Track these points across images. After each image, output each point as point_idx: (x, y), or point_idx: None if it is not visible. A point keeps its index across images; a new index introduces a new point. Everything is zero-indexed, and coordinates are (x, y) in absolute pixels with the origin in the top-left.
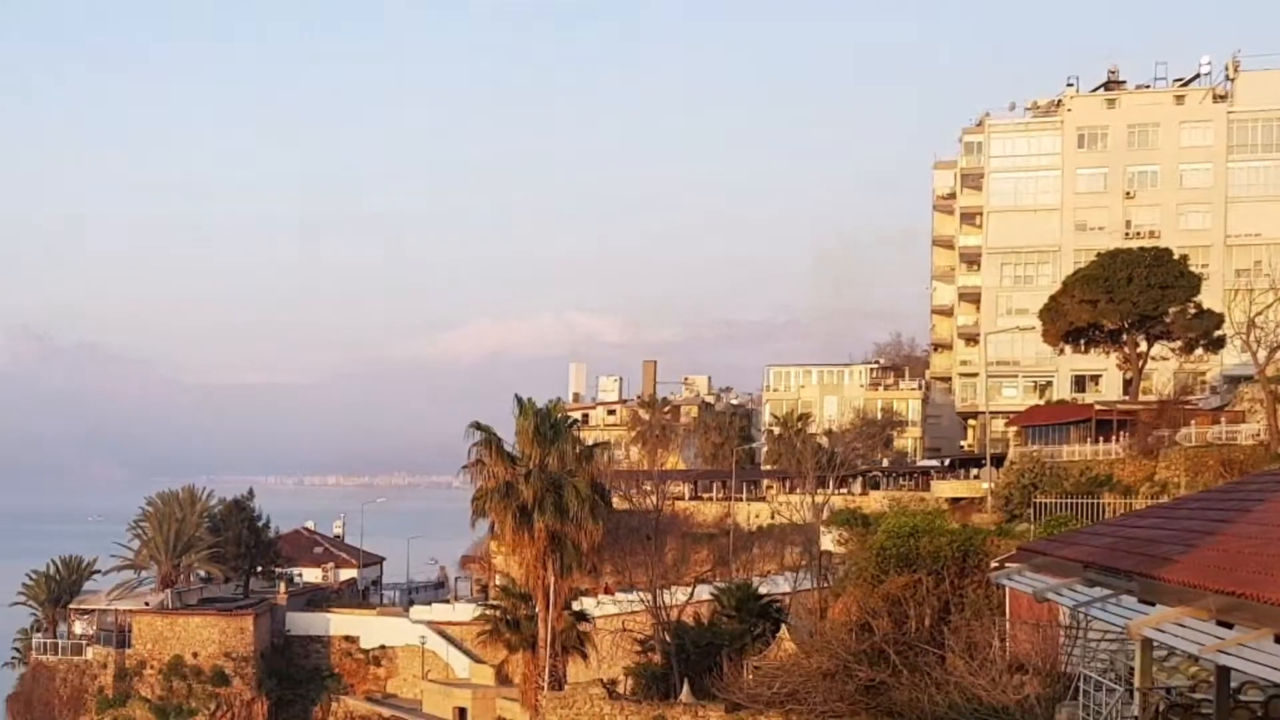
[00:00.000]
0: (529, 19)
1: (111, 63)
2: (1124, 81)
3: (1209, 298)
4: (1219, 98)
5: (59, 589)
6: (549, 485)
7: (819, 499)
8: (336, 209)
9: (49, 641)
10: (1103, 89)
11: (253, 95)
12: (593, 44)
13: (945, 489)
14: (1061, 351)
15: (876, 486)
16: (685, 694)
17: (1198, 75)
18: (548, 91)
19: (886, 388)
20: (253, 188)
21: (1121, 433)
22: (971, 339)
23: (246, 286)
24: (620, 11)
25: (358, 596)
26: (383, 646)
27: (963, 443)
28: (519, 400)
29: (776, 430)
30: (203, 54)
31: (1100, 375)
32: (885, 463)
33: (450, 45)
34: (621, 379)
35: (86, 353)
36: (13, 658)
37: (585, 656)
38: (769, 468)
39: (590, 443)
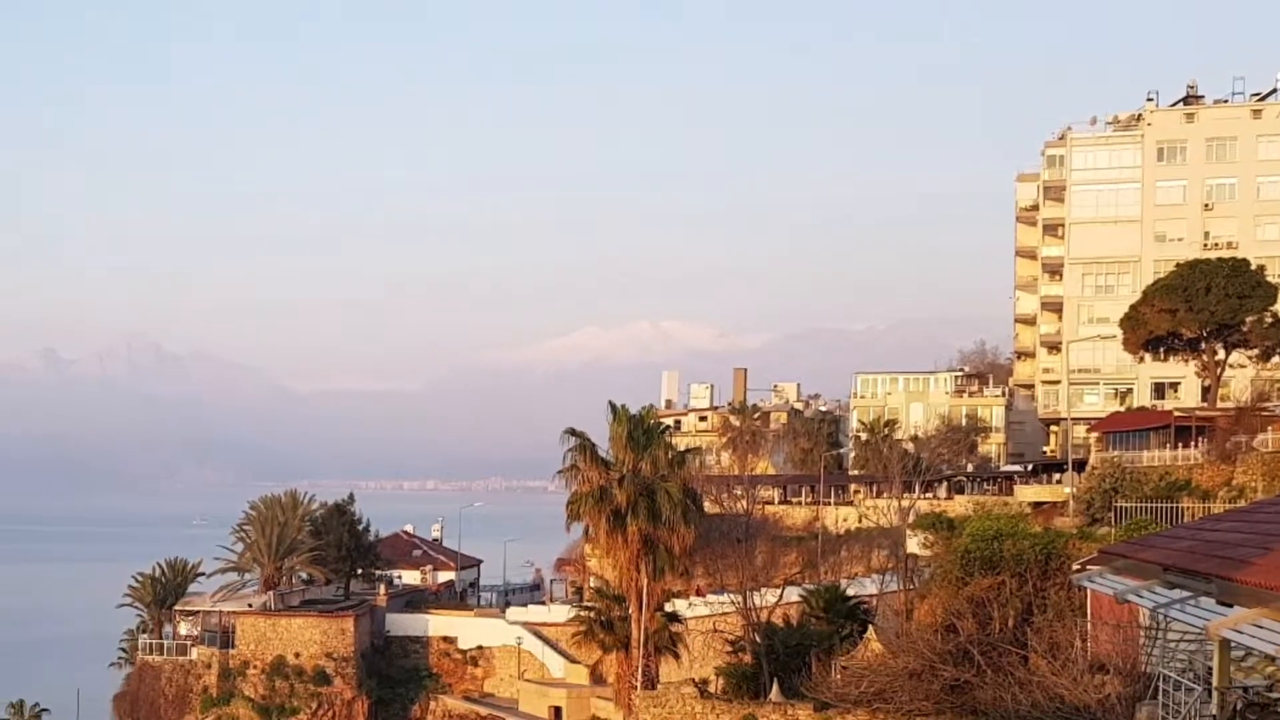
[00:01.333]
0: (631, 41)
1: (220, 76)
2: (1202, 96)
3: None
4: None
5: (164, 591)
6: (642, 490)
7: (905, 503)
8: (446, 220)
9: (155, 642)
10: (1182, 104)
11: (359, 104)
12: (695, 64)
13: (1028, 493)
14: (1141, 359)
15: (961, 491)
16: (775, 693)
17: (1275, 90)
18: (645, 106)
19: (971, 395)
20: (361, 199)
21: (1200, 438)
22: (1054, 347)
23: (354, 296)
24: (704, 33)
25: (455, 598)
26: (480, 647)
27: (1045, 448)
28: (613, 407)
29: (864, 436)
30: (324, 64)
31: (1179, 382)
32: (970, 468)
33: (545, 66)
34: (713, 386)
35: (197, 360)
36: (119, 658)
37: (677, 656)
38: (856, 473)
39: (682, 448)
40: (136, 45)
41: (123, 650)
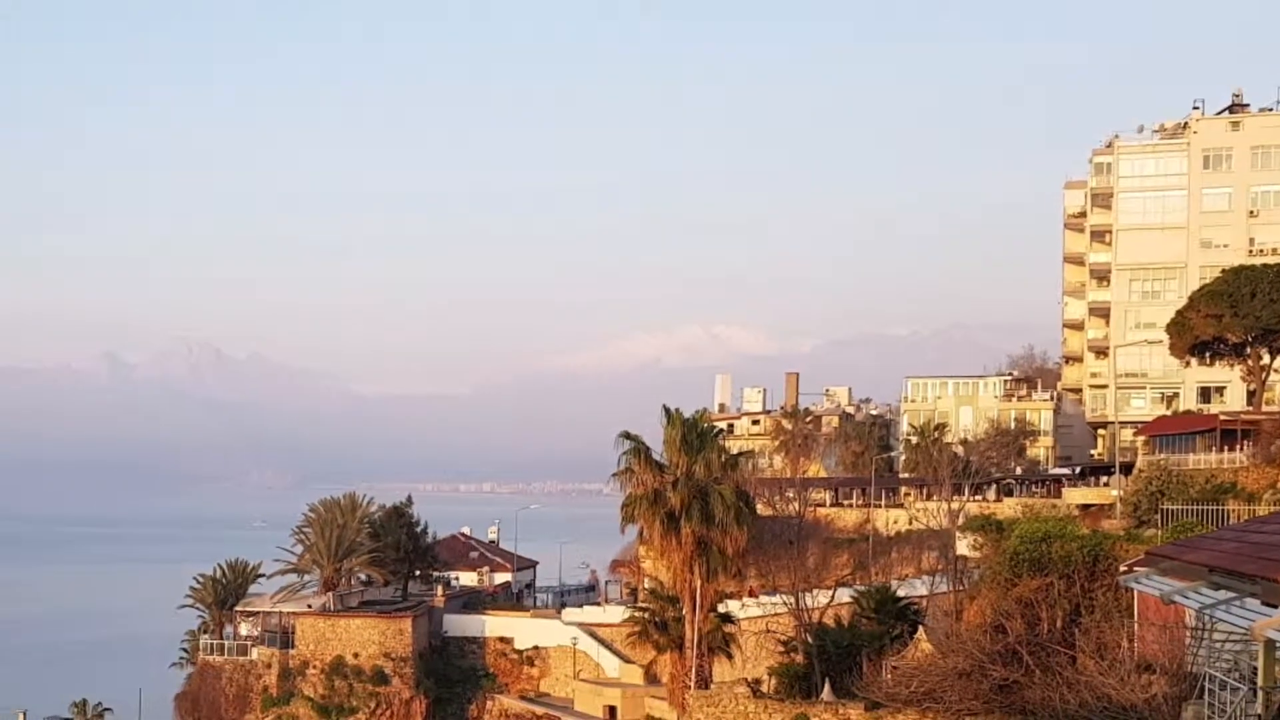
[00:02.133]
0: (682, 46)
1: (278, 82)
2: (1248, 105)
3: None
4: None
5: (225, 592)
6: (696, 492)
7: (954, 506)
8: (502, 226)
9: (215, 642)
10: (1227, 112)
11: (419, 112)
12: (747, 69)
13: (1076, 496)
14: (1188, 364)
15: (1010, 493)
16: (827, 693)
17: None
18: (698, 112)
19: (1020, 399)
20: (418, 206)
21: (1245, 442)
22: (1101, 352)
23: (412, 301)
24: (778, 43)
25: (512, 599)
26: (536, 647)
27: (1093, 451)
28: (666, 411)
29: (914, 439)
30: (385, 70)
31: (1225, 387)
32: (1018, 471)
33: (596, 73)
34: (765, 390)
35: (258, 365)
36: (180, 658)
37: (730, 657)
38: (907, 475)
39: (735, 452)
40: (186, 51)
41: (184, 650)
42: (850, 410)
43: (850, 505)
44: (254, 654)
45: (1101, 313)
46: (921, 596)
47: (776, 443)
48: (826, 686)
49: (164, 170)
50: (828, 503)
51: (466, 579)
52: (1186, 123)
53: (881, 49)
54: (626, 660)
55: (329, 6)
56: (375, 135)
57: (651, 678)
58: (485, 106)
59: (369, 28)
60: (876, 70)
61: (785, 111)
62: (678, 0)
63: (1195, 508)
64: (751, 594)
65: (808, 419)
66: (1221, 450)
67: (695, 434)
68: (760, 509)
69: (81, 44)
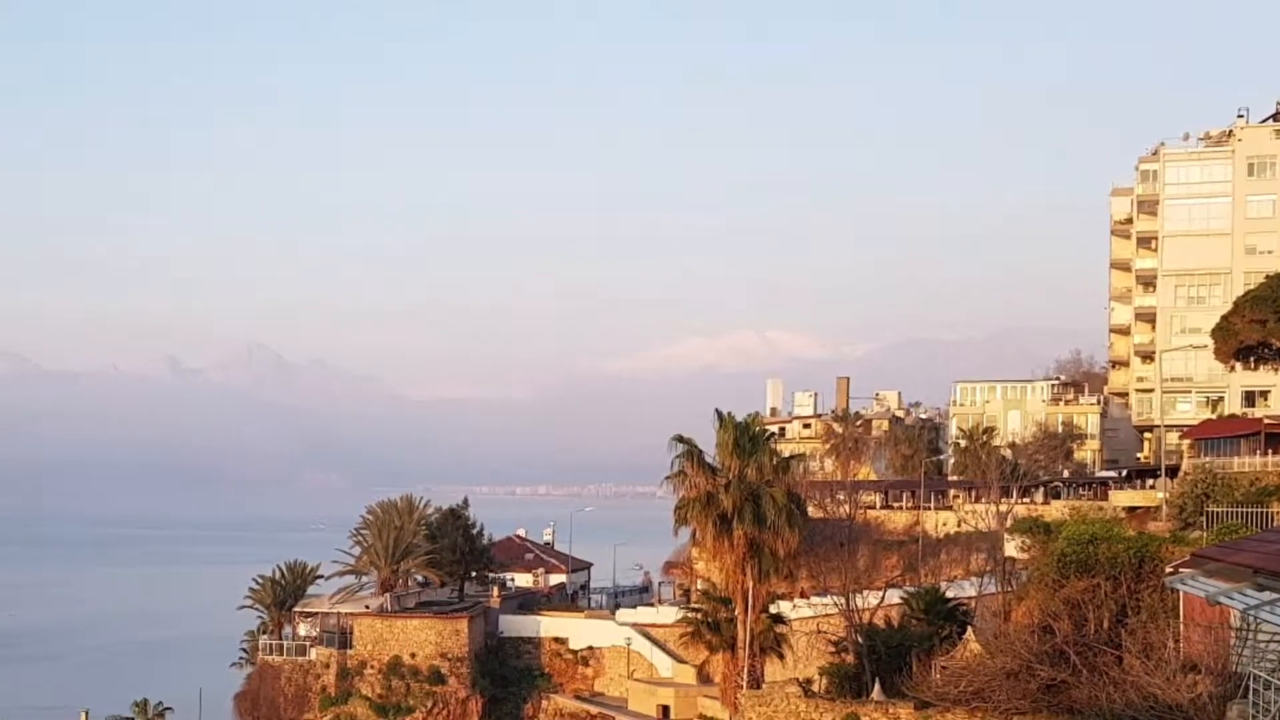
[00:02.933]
0: (733, 56)
1: (315, 103)
2: None
3: None
4: None
5: (284, 593)
6: (748, 495)
7: (1003, 508)
8: (555, 233)
9: (274, 643)
10: (1271, 120)
11: (474, 120)
12: (801, 81)
13: (1122, 498)
14: (1232, 368)
15: (1057, 496)
16: (877, 692)
17: None
18: (755, 123)
19: (1067, 403)
20: (474, 213)
21: None
22: (1147, 357)
23: (468, 307)
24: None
25: (567, 600)
26: (590, 647)
27: (1139, 455)
28: (719, 414)
29: (963, 443)
30: (442, 77)
31: (1269, 391)
32: (1065, 473)
33: (655, 81)
34: (816, 394)
35: (317, 370)
36: (240, 658)
37: (782, 657)
38: (955, 478)
39: (787, 455)
40: (245, 65)
41: (243, 650)
42: (900, 414)
43: (900, 508)
44: (312, 654)
45: (1148, 318)
46: (970, 597)
47: (827, 446)
48: (877, 686)
49: (229, 177)
50: (878, 505)
51: (522, 580)
52: (1231, 130)
53: (923, 51)
54: (679, 660)
55: (393, 10)
56: (434, 142)
57: (704, 677)
58: (540, 109)
59: (433, 36)
60: (919, 74)
61: (832, 115)
62: (714, 2)
63: (1240, 510)
64: (803, 595)
65: (858, 423)
66: (1266, 454)
67: (747, 437)
68: (811, 511)
69: (164, 45)
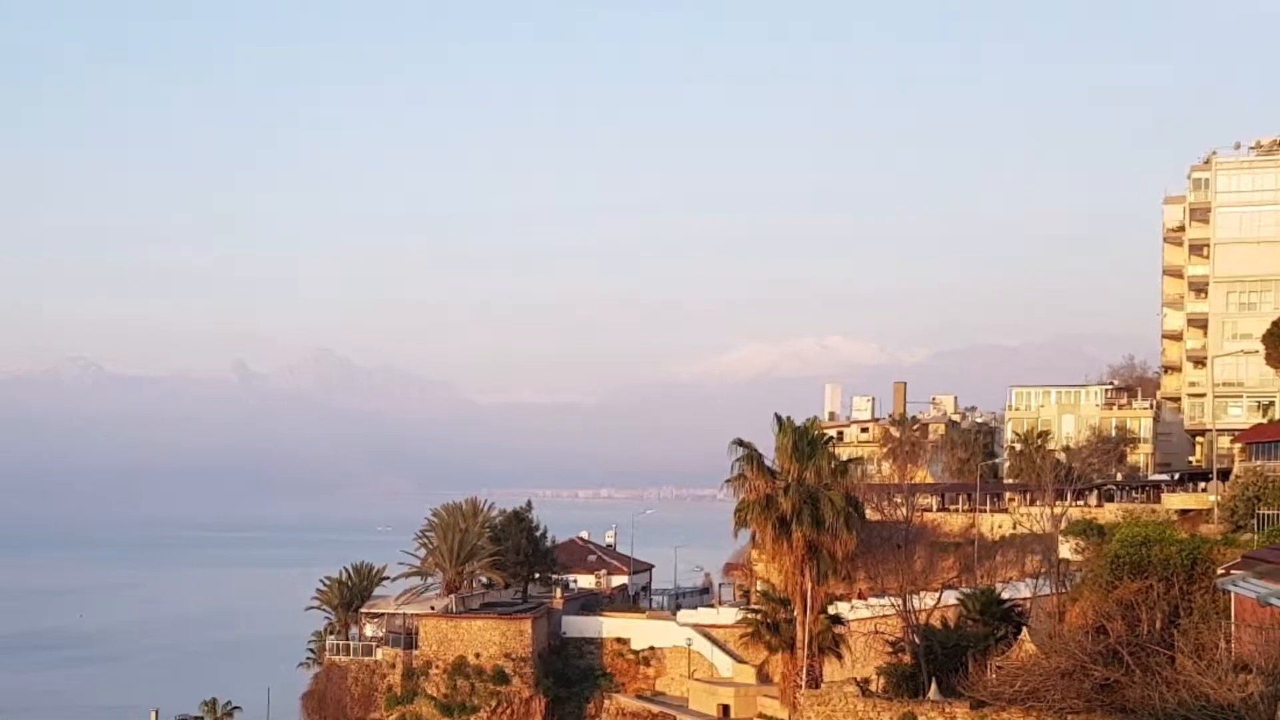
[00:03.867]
0: (792, 66)
1: (410, 99)
2: None
3: None
4: None
5: (351, 594)
6: (806, 498)
7: (1057, 510)
8: (619, 240)
9: (341, 643)
10: None
11: (541, 127)
12: (858, 88)
13: (1175, 501)
14: None
15: (1111, 499)
16: (933, 692)
17: None
18: (808, 131)
19: (1120, 407)
20: (539, 221)
21: None
22: (1199, 362)
23: (531, 313)
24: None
25: (628, 601)
26: (652, 648)
27: (1191, 458)
28: (778, 419)
29: (1018, 447)
30: (508, 85)
31: None
32: (1119, 477)
33: (720, 91)
34: (874, 399)
35: (384, 375)
36: (307, 658)
37: (840, 657)
38: (1011, 481)
39: (844, 458)
40: (309, 75)
41: (311, 651)
42: (956, 418)
43: (956, 510)
44: (378, 654)
45: (1200, 324)
46: (1025, 598)
47: (885, 450)
48: (933, 686)
49: (296, 184)
50: (934, 508)
51: (585, 582)
52: None
53: (972, 58)
54: (739, 660)
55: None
56: (498, 148)
57: (764, 677)
58: (595, 114)
59: (503, 45)
60: (990, 89)
61: (886, 123)
62: (766, 4)
63: None
64: (860, 596)
65: (915, 427)
66: None
67: (806, 441)
68: (869, 514)
69: (253, 59)
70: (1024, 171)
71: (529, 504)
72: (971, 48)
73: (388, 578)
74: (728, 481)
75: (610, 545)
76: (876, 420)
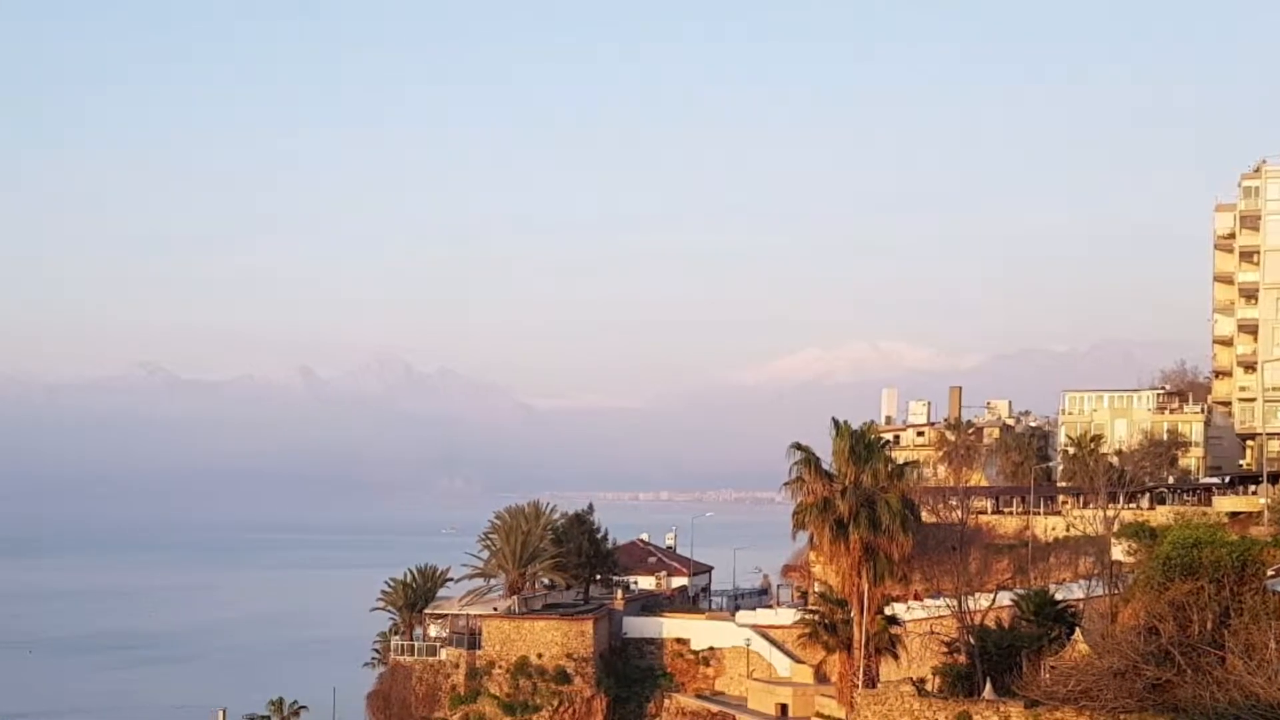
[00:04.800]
0: (842, 78)
1: (472, 110)
2: None
3: None
4: None
5: (415, 595)
6: (863, 500)
7: (1110, 513)
8: (676, 247)
9: (406, 643)
10: None
11: (595, 136)
12: (918, 103)
13: (1225, 504)
14: None
15: (1162, 501)
16: (988, 691)
17: None
18: (863, 139)
19: (1172, 411)
20: (596, 227)
21: None
22: (1250, 367)
23: (592, 318)
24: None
25: (688, 602)
26: (711, 648)
27: (1241, 462)
28: (836, 422)
29: (1071, 450)
30: (576, 96)
31: None
32: (1170, 480)
33: (770, 99)
34: (929, 403)
35: (446, 379)
36: (373, 658)
37: (896, 657)
38: (1064, 485)
39: (901, 461)
40: (369, 84)
41: (376, 651)
42: (1010, 422)
43: (1010, 513)
44: (442, 654)
45: (1250, 329)
46: (1078, 600)
47: (940, 453)
48: (988, 685)
49: (356, 191)
50: (989, 510)
51: (645, 583)
52: None
53: (1016, 65)
54: (797, 660)
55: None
56: (561, 158)
57: (821, 677)
58: (650, 134)
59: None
60: (1045, 96)
61: (938, 130)
62: (818, 24)
63: None
64: (916, 597)
65: (970, 431)
66: None
67: (863, 445)
68: (925, 516)
69: (291, 65)
70: (1075, 176)
71: (590, 507)
72: (1019, 55)
73: (451, 579)
74: (786, 484)
75: (670, 547)
76: (932, 424)
